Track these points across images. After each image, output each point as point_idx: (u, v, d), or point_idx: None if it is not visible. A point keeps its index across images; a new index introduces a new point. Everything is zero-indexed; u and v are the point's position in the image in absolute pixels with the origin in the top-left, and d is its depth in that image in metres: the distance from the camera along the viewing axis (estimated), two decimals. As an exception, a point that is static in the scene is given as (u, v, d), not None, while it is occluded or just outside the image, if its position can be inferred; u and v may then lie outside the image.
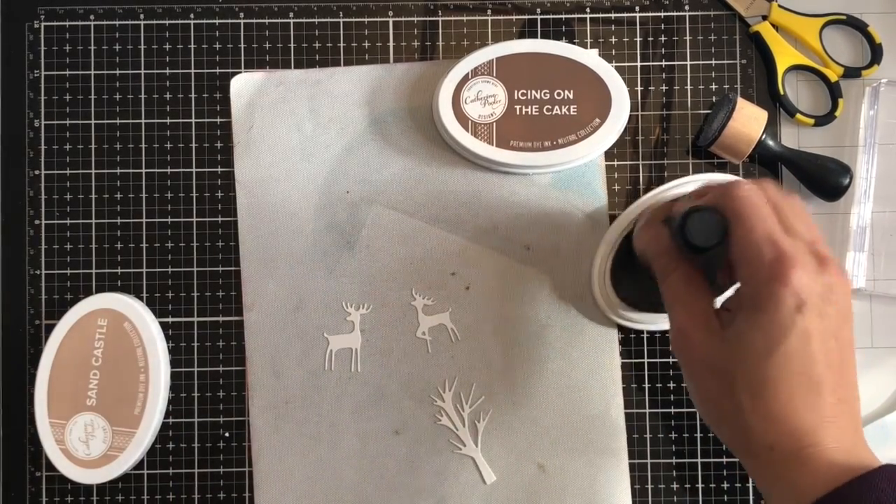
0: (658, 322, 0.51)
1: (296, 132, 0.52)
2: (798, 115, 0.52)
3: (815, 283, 0.34)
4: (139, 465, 0.51)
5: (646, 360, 0.52)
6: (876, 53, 0.52)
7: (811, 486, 0.33)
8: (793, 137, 0.53)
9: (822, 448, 0.34)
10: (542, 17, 0.53)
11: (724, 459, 0.51)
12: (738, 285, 0.37)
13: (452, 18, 0.53)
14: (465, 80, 0.50)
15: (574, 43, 0.52)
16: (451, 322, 0.51)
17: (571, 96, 0.50)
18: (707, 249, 0.37)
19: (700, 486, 0.51)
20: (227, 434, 0.51)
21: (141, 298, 0.52)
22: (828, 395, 0.34)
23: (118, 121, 0.52)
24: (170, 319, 0.52)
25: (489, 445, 0.51)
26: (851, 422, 0.35)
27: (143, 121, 0.52)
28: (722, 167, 0.52)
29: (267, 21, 0.53)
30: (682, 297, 0.38)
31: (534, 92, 0.50)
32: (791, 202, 0.38)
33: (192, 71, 0.52)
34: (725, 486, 0.51)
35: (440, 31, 0.53)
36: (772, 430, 0.34)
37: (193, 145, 0.52)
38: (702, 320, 0.37)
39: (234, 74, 0.52)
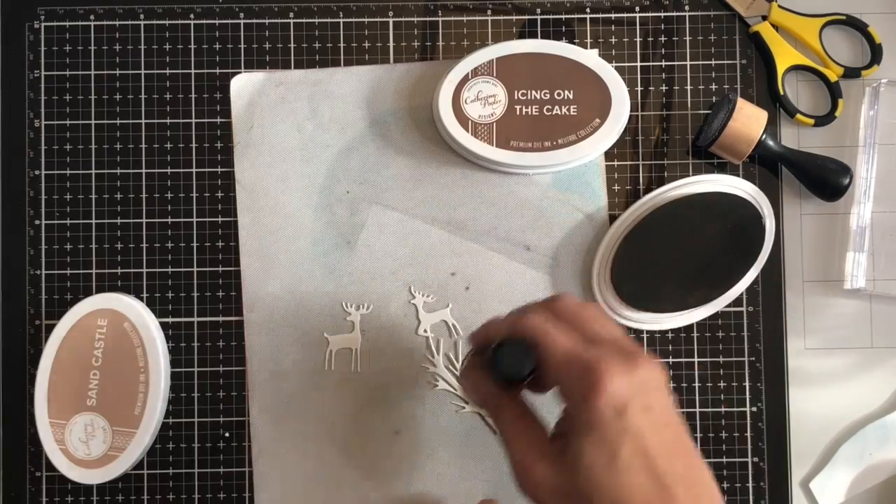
0: (658, 322, 0.51)
1: (296, 132, 0.52)
2: (798, 115, 0.52)
3: (630, 381, 0.34)
4: (139, 465, 0.51)
5: (646, 360, 0.52)
6: (876, 53, 0.52)
7: None
8: (793, 137, 0.53)
9: None
10: (542, 17, 0.53)
11: (724, 459, 0.51)
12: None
13: (452, 18, 0.53)
14: (465, 80, 0.50)
15: (574, 43, 0.52)
16: (452, 318, 0.51)
17: (571, 96, 0.50)
18: (521, 379, 0.38)
19: (700, 486, 0.51)
20: (227, 434, 0.51)
21: (141, 298, 0.52)
22: (677, 487, 0.33)
23: (118, 121, 0.52)
24: (170, 319, 0.52)
25: (489, 445, 0.51)
26: (709, 498, 0.34)
27: (143, 121, 0.52)
28: (722, 167, 0.52)
29: (267, 21, 0.53)
30: (516, 433, 0.38)
31: (534, 92, 0.50)
32: (586, 309, 0.38)
33: (192, 71, 0.52)
34: (725, 486, 0.51)
35: (440, 31, 0.53)
36: None
37: (193, 145, 0.52)
38: (540, 451, 0.37)
39: (234, 74, 0.52)
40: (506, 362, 0.38)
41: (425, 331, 0.51)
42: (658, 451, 0.34)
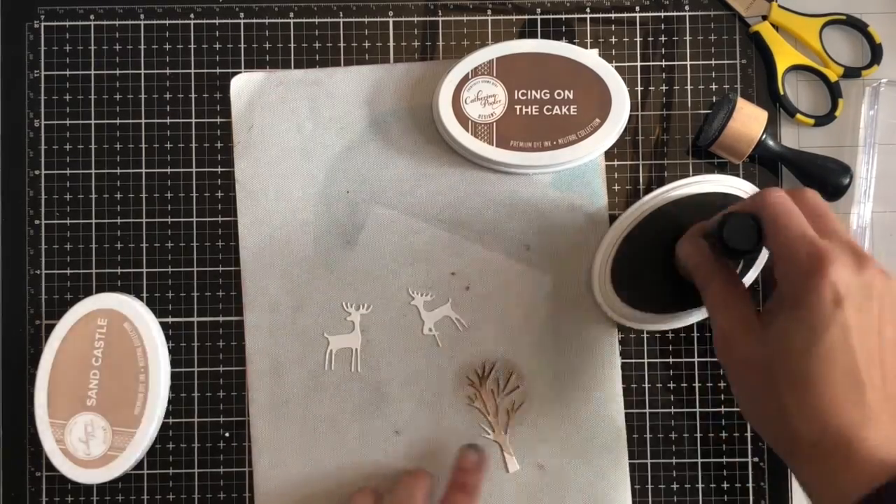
0: (658, 322, 0.51)
1: (296, 132, 0.52)
2: (798, 115, 0.52)
3: (854, 277, 0.34)
4: (139, 465, 0.51)
5: (646, 361, 0.52)
6: (876, 53, 0.52)
7: (854, 485, 0.32)
8: (793, 137, 0.53)
9: (866, 445, 0.33)
10: (542, 17, 0.53)
11: (724, 459, 0.51)
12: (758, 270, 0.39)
13: (452, 18, 0.53)
14: (465, 80, 0.50)
15: (574, 43, 0.52)
16: (455, 313, 0.51)
17: (571, 96, 0.50)
18: (744, 252, 0.39)
19: (700, 486, 0.51)
20: (227, 434, 0.51)
21: (141, 298, 0.52)
22: (871, 391, 0.34)
23: (118, 121, 0.52)
24: (170, 319, 0.52)
25: (489, 445, 0.51)
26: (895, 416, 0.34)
27: (143, 121, 0.52)
28: (722, 167, 0.52)
29: (267, 21, 0.53)
30: (723, 302, 0.39)
31: (534, 92, 0.50)
32: (830, 210, 0.39)
33: (192, 71, 0.52)
34: (725, 486, 0.51)
35: (440, 31, 0.53)
36: (815, 428, 0.34)
37: (193, 145, 0.52)
38: (743, 322, 0.38)
39: (234, 74, 0.52)
40: (733, 232, 0.38)
41: (430, 329, 0.51)
42: (862, 352, 0.34)
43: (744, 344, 0.37)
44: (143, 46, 0.53)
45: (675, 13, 0.53)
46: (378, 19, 0.53)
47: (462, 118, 0.50)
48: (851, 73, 0.52)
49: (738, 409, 0.51)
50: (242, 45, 0.53)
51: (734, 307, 0.39)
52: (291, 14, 0.53)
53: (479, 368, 0.51)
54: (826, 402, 0.34)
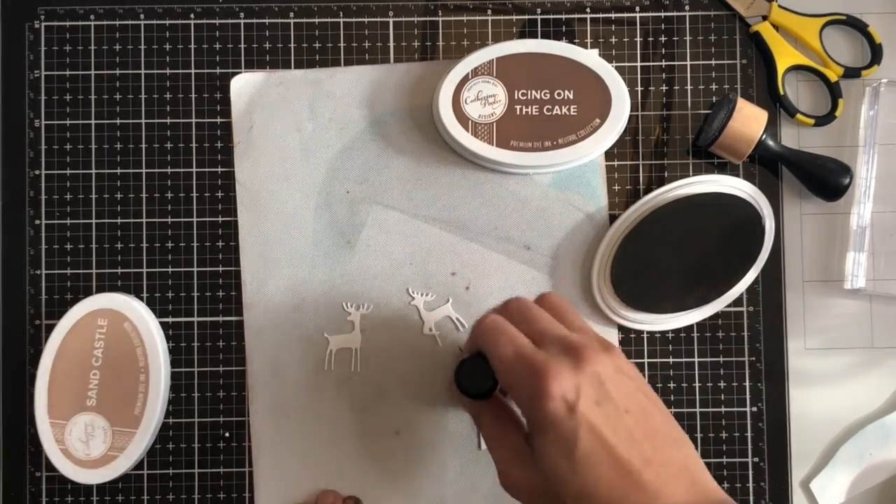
0: (658, 322, 0.51)
1: (296, 132, 0.52)
2: (798, 115, 0.52)
3: (576, 376, 0.34)
4: (139, 465, 0.51)
5: (646, 361, 0.52)
6: (876, 53, 0.52)
7: None
8: (793, 137, 0.53)
9: None
10: (543, 17, 0.53)
11: (724, 459, 0.51)
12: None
13: (452, 18, 0.53)
14: (465, 80, 0.50)
15: (574, 43, 0.52)
16: (455, 312, 0.51)
17: (571, 96, 0.50)
18: (485, 394, 0.39)
19: (700, 486, 0.51)
20: (227, 434, 0.51)
21: (141, 298, 0.52)
22: (644, 471, 0.33)
23: (118, 121, 0.52)
24: (170, 319, 0.52)
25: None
26: (683, 480, 0.34)
27: (143, 121, 0.52)
28: (722, 167, 0.52)
29: (267, 21, 0.53)
30: (495, 438, 0.39)
31: (534, 92, 0.50)
32: (533, 309, 0.39)
33: (192, 71, 0.52)
34: (725, 486, 0.51)
35: (440, 31, 0.53)
36: None
37: (193, 145, 0.52)
38: (515, 454, 0.38)
39: (234, 74, 0.52)
40: (466, 379, 0.39)
41: (430, 329, 0.51)
42: (618, 439, 0.34)
43: (521, 476, 0.37)
44: (143, 46, 0.53)
45: (675, 13, 0.53)
46: (378, 19, 0.53)
47: (462, 118, 0.50)
48: (851, 73, 0.52)
49: (738, 410, 0.51)
50: (242, 45, 0.53)
51: (505, 441, 0.39)
52: (291, 14, 0.53)
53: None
54: (609, 501, 0.33)
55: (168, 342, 0.51)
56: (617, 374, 0.35)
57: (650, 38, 0.53)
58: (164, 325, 0.51)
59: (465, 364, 0.39)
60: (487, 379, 0.38)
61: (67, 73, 0.52)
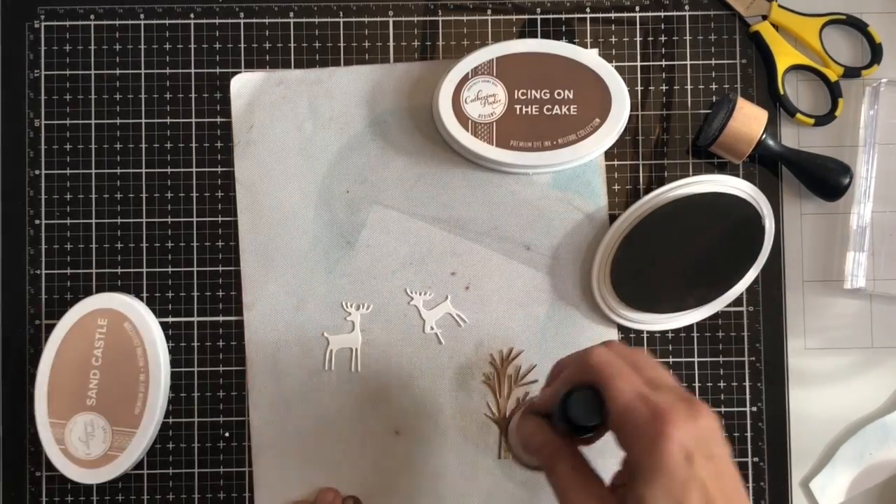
0: (658, 322, 0.51)
1: (296, 132, 0.52)
2: (798, 115, 0.52)
3: (694, 429, 0.34)
4: (139, 465, 0.51)
5: (646, 360, 0.52)
6: (876, 53, 0.52)
7: None
8: (793, 137, 0.53)
9: None
10: (542, 17, 0.53)
11: (724, 459, 0.51)
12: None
13: (452, 18, 0.53)
14: (465, 79, 0.50)
15: (574, 43, 0.52)
16: (455, 309, 0.51)
17: (571, 96, 0.50)
18: (591, 428, 0.38)
19: (700, 486, 0.51)
20: (227, 434, 0.51)
21: (141, 298, 0.52)
22: None
23: (118, 121, 0.52)
24: (170, 319, 0.52)
25: (489, 445, 0.51)
26: None
27: (143, 121, 0.52)
28: (722, 167, 0.52)
29: (267, 21, 0.53)
30: (575, 484, 0.38)
31: (534, 92, 0.50)
32: (642, 354, 0.38)
33: (192, 71, 0.52)
34: (725, 486, 0.51)
35: (440, 31, 0.53)
36: None
37: (193, 145, 0.52)
38: (599, 502, 0.36)
39: (234, 74, 0.52)
40: (577, 409, 0.37)
41: (431, 328, 0.51)
42: (720, 499, 0.33)
43: None
44: (143, 46, 0.53)
45: (675, 13, 0.53)
46: (378, 19, 0.53)
47: (462, 118, 0.50)
48: (851, 72, 0.52)
49: (738, 410, 0.51)
50: (242, 45, 0.53)
51: (587, 488, 0.37)
52: (291, 14, 0.53)
53: (506, 350, 0.51)
54: None
55: (168, 342, 0.51)
56: (721, 438, 0.35)
57: (650, 38, 0.53)
58: (164, 325, 0.51)
59: (577, 394, 0.37)
60: (598, 413, 0.37)
61: (67, 72, 0.52)
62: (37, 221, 0.52)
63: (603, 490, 0.37)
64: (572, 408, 0.37)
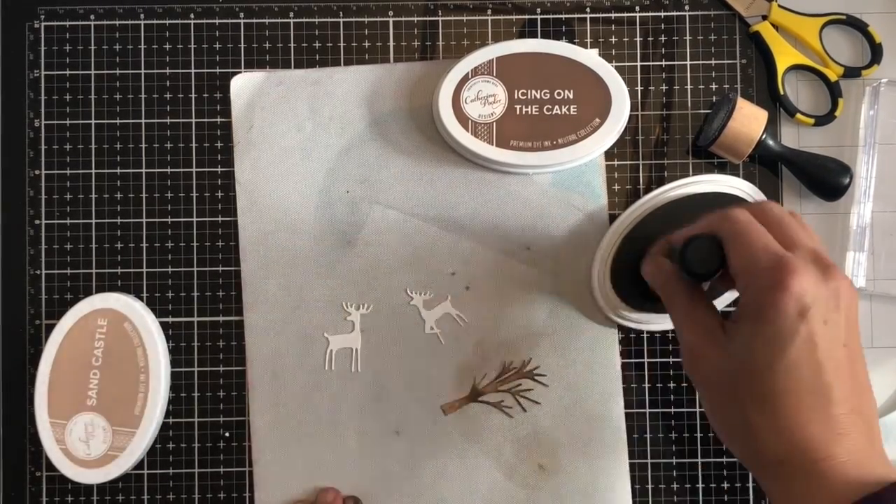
0: (658, 322, 0.51)
1: (296, 132, 0.52)
2: (798, 115, 0.52)
3: (819, 288, 0.33)
4: (139, 465, 0.51)
5: (646, 360, 0.52)
6: (876, 53, 0.52)
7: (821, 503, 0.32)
8: (793, 137, 0.53)
9: (833, 462, 0.32)
10: (542, 17, 0.53)
11: (725, 459, 0.51)
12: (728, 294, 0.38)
13: (452, 18, 0.53)
14: (465, 79, 0.50)
15: (574, 43, 0.52)
16: (455, 309, 0.51)
17: (571, 96, 0.50)
18: (708, 275, 0.39)
19: (700, 486, 0.51)
20: (227, 434, 0.51)
21: (141, 298, 0.52)
22: (838, 406, 0.33)
23: (118, 121, 0.52)
24: (170, 319, 0.52)
25: (489, 445, 0.51)
26: (866, 433, 0.33)
27: (143, 121, 0.52)
28: (722, 167, 0.52)
29: (267, 21, 0.53)
30: (689, 317, 0.39)
31: (534, 92, 0.50)
32: (792, 216, 0.38)
33: (192, 71, 0.52)
34: (725, 485, 0.51)
35: (440, 31, 0.53)
36: (781, 444, 0.33)
37: (193, 145, 0.52)
38: (709, 336, 0.37)
39: (234, 74, 0.52)
40: (695, 256, 0.38)
41: (432, 328, 0.51)
42: (829, 365, 0.33)
43: (710, 358, 0.36)
44: (143, 46, 0.53)
45: (675, 13, 0.53)
46: (378, 19, 0.53)
47: (462, 118, 0.50)
48: (851, 72, 0.52)
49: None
50: (242, 45, 0.53)
51: (700, 322, 0.38)
52: (291, 14, 0.53)
53: (518, 361, 0.51)
54: (791, 419, 0.33)
55: (168, 342, 0.51)
56: (851, 308, 0.35)
57: (650, 38, 0.53)
58: (164, 325, 0.51)
59: (696, 241, 0.38)
60: (715, 262, 0.37)
61: (67, 72, 0.52)
62: (37, 221, 0.52)
63: (716, 325, 0.37)
64: (690, 254, 0.39)
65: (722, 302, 0.49)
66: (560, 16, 0.53)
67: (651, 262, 0.43)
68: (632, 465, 0.51)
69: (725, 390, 0.35)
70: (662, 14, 0.53)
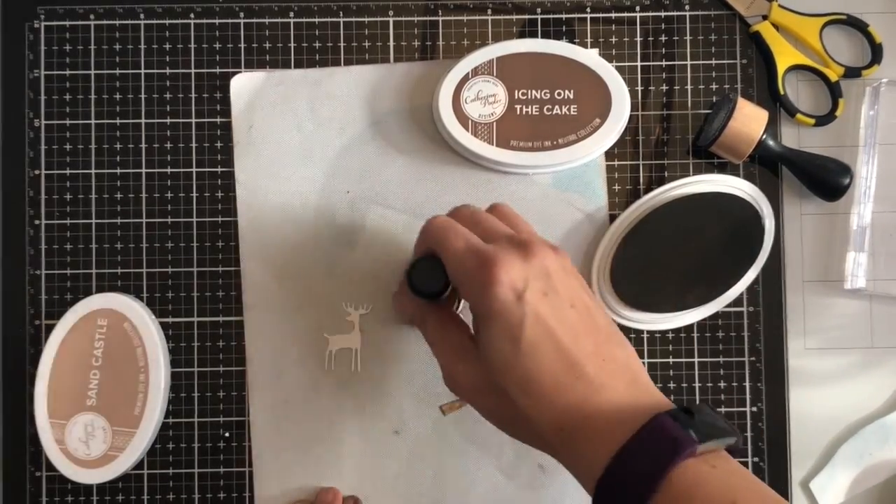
0: (658, 322, 0.51)
1: (296, 132, 0.52)
2: (798, 115, 0.52)
3: (524, 267, 0.35)
4: (139, 465, 0.51)
5: (646, 360, 0.52)
6: (876, 53, 0.52)
7: (604, 451, 0.33)
8: (793, 137, 0.53)
9: (602, 411, 0.34)
10: (543, 16, 0.53)
11: (724, 459, 0.51)
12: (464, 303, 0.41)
13: (452, 18, 0.53)
14: (465, 79, 0.50)
15: (574, 43, 0.52)
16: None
17: (571, 96, 0.50)
18: (438, 293, 0.40)
19: (700, 486, 0.51)
20: (227, 434, 0.51)
21: (141, 298, 0.52)
22: (586, 364, 0.34)
23: (118, 121, 0.52)
24: (170, 319, 0.52)
25: (489, 445, 0.51)
26: (624, 374, 0.35)
27: (143, 121, 0.52)
28: (722, 167, 0.52)
29: (267, 21, 0.53)
30: (439, 338, 0.40)
31: (534, 92, 0.50)
32: (481, 213, 0.40)
33: (192, 71, 0.52)
34: (725, 486, 0.51)
35: (440, 31, 0.53)
36: (553, 416, 0.34)
37: (193, 145, 0.52)
38: (459, 352, 0.39)
39: (234, 74, 0.52)
40: (419, 279, 0.39)
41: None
42: (563, 331, 0.35)
43: (465, 372, 0.38)
44: (143, 46, 0.53)
45: (675, 13, 0.53)
46: (378, 19, 0.53)
47: (462, 118, 0.50)
48: (852, 72, 0.52)
49: (738, 410, 0.51)
50: (242, 45, 0.53)
51: (449, 341, 0.40)
52: (291, 14, 0.53)
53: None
54: (552, 391, 0.34)
55: (168, 342, 0.51)
56: (563, 272, 0.36)
57: (650, 38, 0.53)
58: (164, 325, 0.51)
59: (419, 264, 0.40)
60: (440, 278, 0.39)
61: (67, 72, 0.52)
62: (37, 221, 0.52)
63: (464, 340, 0.39)
64: (415, 277, 0.40)
65: None
66: (560, 16, 0.53)
67: (395, 299, 0.44)
68: (632, 466, 0.51)
69: (492, 394, 0.37)
70: (662, 14, 0.53)
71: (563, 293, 0.36)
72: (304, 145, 0.52)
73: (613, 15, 0.53)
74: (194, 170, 0.52)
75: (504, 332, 0.35)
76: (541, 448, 0.38)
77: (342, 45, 0.53)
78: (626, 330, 0.51)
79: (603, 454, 0.33)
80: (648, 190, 0.52)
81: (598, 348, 0.35)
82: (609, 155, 0.52)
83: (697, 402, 0.51)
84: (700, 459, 0.32)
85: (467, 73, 0.50)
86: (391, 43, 0.53)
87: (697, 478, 0.31)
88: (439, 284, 0.39)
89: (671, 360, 0.52)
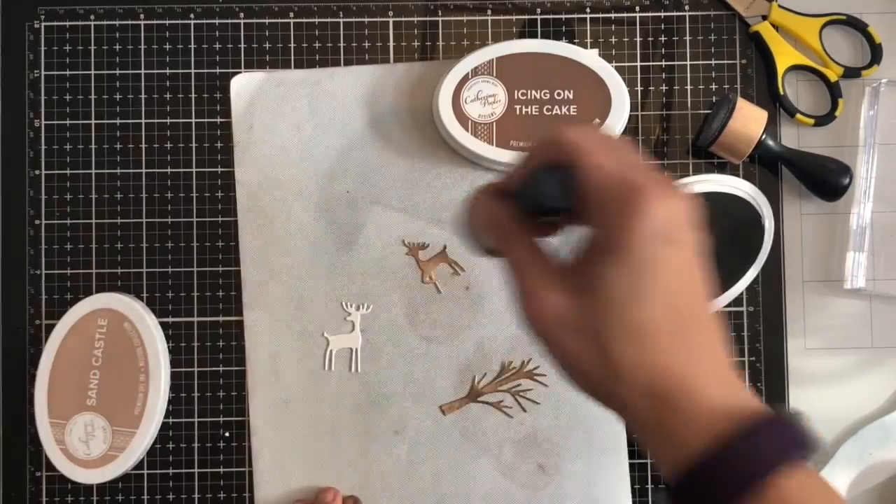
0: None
1: (296, 132, 0.52)
2: (798, 115, 0.52)
3: (673, 211, 0.32)
4: (139, 465, 0.51)
5: (646, 360, 0.51)
6: (876, 53, 0.52)
7: (694, 432, 0.31)
8: (793, 137, 0.53)
9: (702, 391, 0.31)
10: (542, 17, 0.53)
11: (724, 459, 0.51)
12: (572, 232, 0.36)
13: (452, 18, 0.53)
14: (465, 79, 0.50)
15: (574, 43, 0.52)
16: (451, 256, 0.51)
17: (571, 96, 0.50)
18: (561, 210, 0.34)
19: (700, 486, 0.51)
20: (227, 434, 0.51)
21: (141, 298, 0.52)
22: (697, 332, 0.32)
23: (118, 121, 0.52)
24: (170, 319, 0.52)
25: (489, 445, 0.51)
26: (724, 359, 0.33)
27: (143, 121, 0.52)
28: (722, 167, 0.52)
29: (267, 21, 0.53)
30: (530, 262, 0.35)
31: (534, 92, 0.50)
32: (619, 138, 0.37)
33: (192, 71, 0.52)
34: (725, 486, 0.51)
35: (440, 31, 0.53)
36: (646, 376, 0.32)
37: (193, 145, 0.52)
38: (553, 281, 0.34)
39: (234, 74, 0.52)
40: (542, 192, 0.33)
41: (430, 278, 0.51)
42: (686, 292, 0.32)
43: (556, 304, 0.33)
44: (143, 46, 0.53)
45: (675, 13, 0.53)
46: (378, 19, 0.53)
47: (462, 118, 0.50)
48: (851, 73, 0.52)
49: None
50: (242, 45, 0.53)
51: (538, 266, 0.35)
52: (291, 14, 0.53)
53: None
54: (655, 348, 0.31)
55: (168, 342, 0.51)
56: (693, 223, 0.33)
57: (650, 38, 0.53)
58: (164, 325, 0.51)
59: (538, 175, 0.33)
60: (568, 193, 0.33)
61: (67, 73, 0.52)
62: (37, 221, 0.52)
63: (558, 269, 0.34)
64: (542, 186, 0.34)
65: None
66: (560, 16, 0.53)
67: (479, 202, 0.37)
68: (632, 465, 0.51)
69: (580, 334, 0.33)
70: (662, 14, 0.53)
71: (690, 248, 0.33)
72: (304, 145, 0.52)
73: (613, 15, 0.53)
74: (194, 170, 0.52)
75: (629, 270, 0.31)
76: (616, 411, 0.34)
77: (342, 45, 0.53)
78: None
79: (699, 432, 0.30)
80: (648, 190, 0.52)
81: (706, 320, 0.32)
82: (609, 155, 0.52)
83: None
84: (806, 467, 0.30)
85: (467, 74, 0.50)
86: (391, 43, 0.53)
87: (801, 484, 0.29)
88: (567, 200, 0.33)
89: (671, 360, 0.52)
